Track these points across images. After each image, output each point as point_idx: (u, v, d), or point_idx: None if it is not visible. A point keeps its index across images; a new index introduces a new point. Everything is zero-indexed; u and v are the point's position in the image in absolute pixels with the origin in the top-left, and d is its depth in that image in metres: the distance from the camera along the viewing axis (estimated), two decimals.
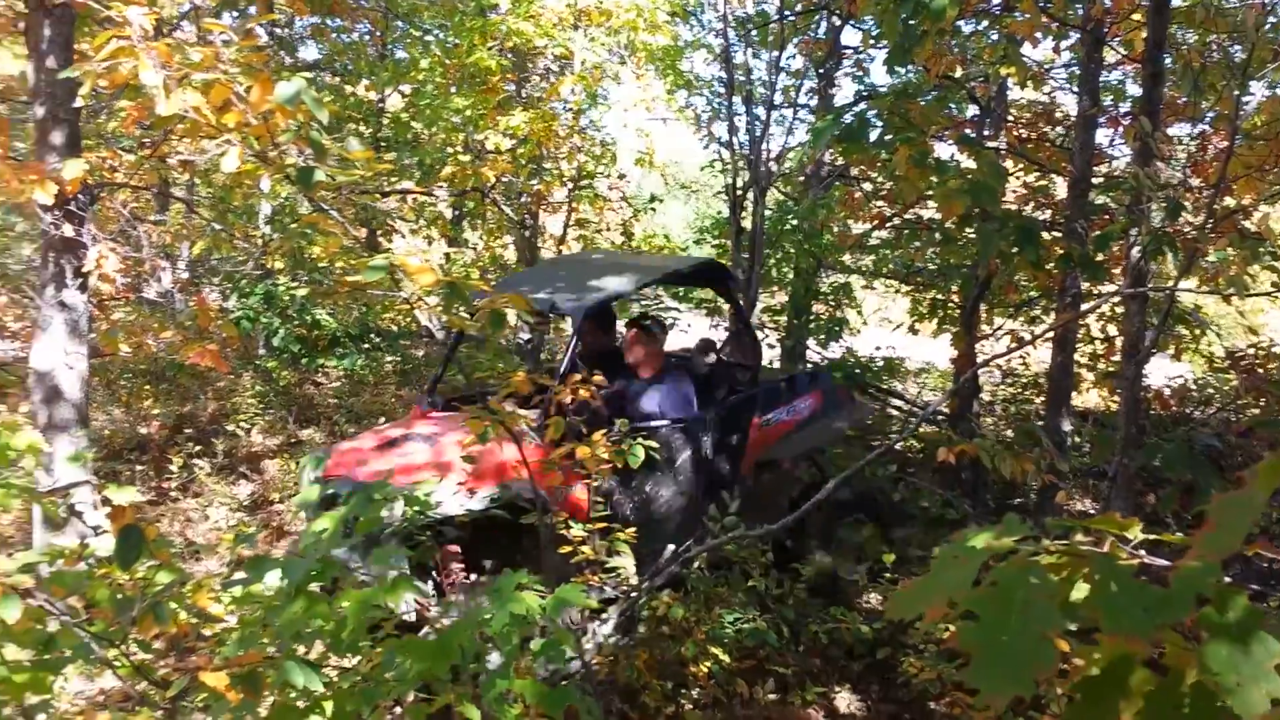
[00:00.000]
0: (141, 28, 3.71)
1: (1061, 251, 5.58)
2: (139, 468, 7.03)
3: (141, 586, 3.11)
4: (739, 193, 9.26)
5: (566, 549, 4.52)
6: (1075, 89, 7.64)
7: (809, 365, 8.99)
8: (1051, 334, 6.27)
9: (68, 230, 5.66)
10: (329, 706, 2.88)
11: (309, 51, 12.80)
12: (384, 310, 10.64)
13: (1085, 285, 6.67)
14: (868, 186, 10.96)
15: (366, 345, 9.85)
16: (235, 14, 9.52)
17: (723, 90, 11.83)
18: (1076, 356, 7.76)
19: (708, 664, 4.54)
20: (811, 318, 10.42)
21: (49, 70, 5.76)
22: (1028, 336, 7.99)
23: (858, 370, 9.66)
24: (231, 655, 2.90)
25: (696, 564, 5.00)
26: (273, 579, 3.18)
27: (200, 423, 7.71)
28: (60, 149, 5.77)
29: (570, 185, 11.01)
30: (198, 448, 7.25)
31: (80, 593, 3.03)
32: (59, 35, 5.79)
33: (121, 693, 3.56)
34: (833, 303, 10.73)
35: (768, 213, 9.58)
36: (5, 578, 2.83)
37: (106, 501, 3.88)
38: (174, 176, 7.69)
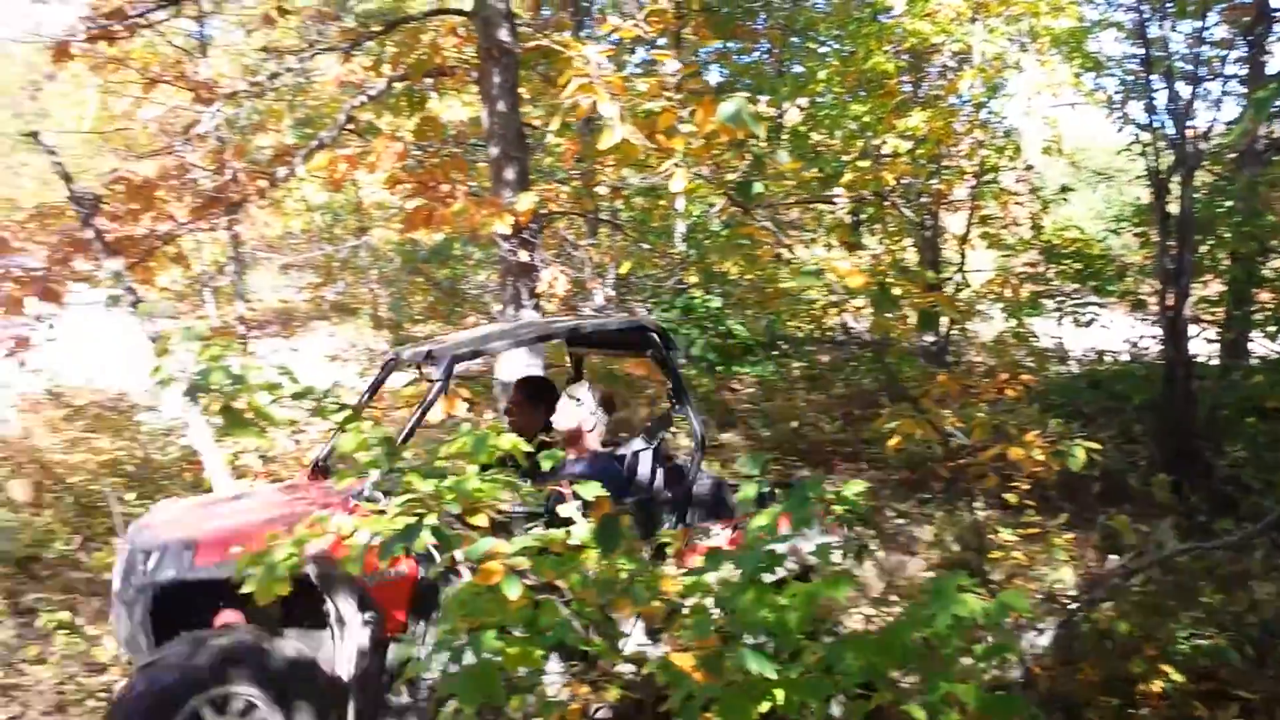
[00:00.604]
0: (597, 64, 4.15)
1: None
2: None
3: (614, 572, 3.45)
4: (1162, 176, 8.54)
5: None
6: None
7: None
8: None
9: (523, 256, 6.37)
10: (779, 695, 3.01)
11: (709, 75, 13.44)
12: (790, 317, 10.94)
13: None
14: None
15: (775, 352, 10.21)
16: (647, 48, 10.26)
17: (1137, 68, 10.96)
18: None
19: (1159, 683, 4.25)
20: (1256, 307, 9.38)
21: (500, 113, 6.47)
22: None
23: None
24: (689, 639, 3.14)
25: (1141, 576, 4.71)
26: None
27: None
28: (512, 184, 6.47)
29: (972, 182, 10.71)
30: None
31: (563, 576, 3.41)
32: (506, 81, 6.48)
33: (601, 670, 3.95)
34: None
35: (1196, 195, 8.76)
36: (505, 559, 3.26)
37: (576, 495, 4.35)
38: (601, 203, 8.41)
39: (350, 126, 6.62)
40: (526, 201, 5.99)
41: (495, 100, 6.45)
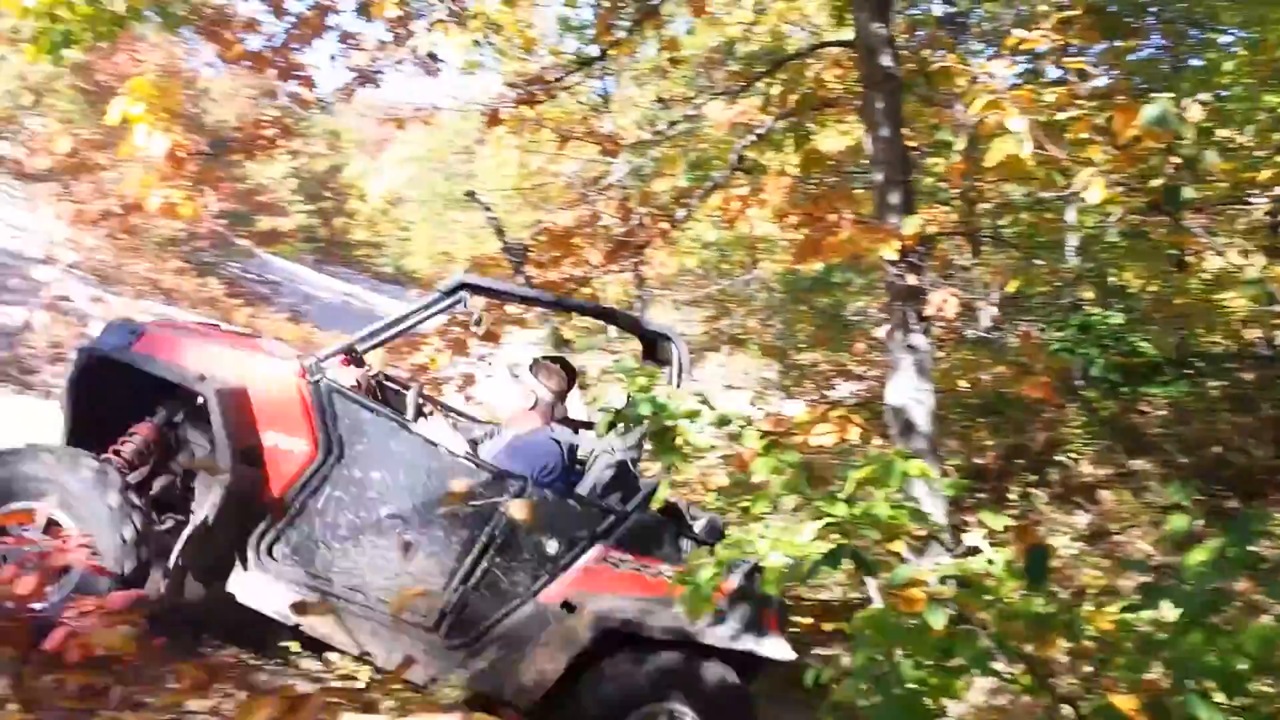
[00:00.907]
0: (1002, 79, 4.08)
1: None
2: (980, 495, 7.56)
3: (1035, 606, 3.34)
4: None
5: None
6: None
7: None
8: None
9: (910, 279, 6.32)
10: None
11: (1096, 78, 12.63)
12: (1205, 331, 10.02)
13: None
14: None
15: (1188, 371, 9.37)
16: (1028, 58, 9.80)
17: None
18: None
19: None
20: None
21: (883, 139, 6.48)
22: None
23: None
24: (1124, 679, 2.97)
25: None
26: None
27: (1031, 453, 8.06)
28: (897, 208, 6.45)
29: None
30: (1033, 477, 7.59)
31: (984, 607, 3.35)
32: (890, 107, 6.47)
33: (1024, 707, 3.84)
34: None
35: None
36: (927, 589, 3.27)
37: (980, 524, 4.27)
38: (984, 220, 8.16)
39: (740, 166, 6.88)
40: (913, 225, 5.96)
41: (879, 126, 6.46)
